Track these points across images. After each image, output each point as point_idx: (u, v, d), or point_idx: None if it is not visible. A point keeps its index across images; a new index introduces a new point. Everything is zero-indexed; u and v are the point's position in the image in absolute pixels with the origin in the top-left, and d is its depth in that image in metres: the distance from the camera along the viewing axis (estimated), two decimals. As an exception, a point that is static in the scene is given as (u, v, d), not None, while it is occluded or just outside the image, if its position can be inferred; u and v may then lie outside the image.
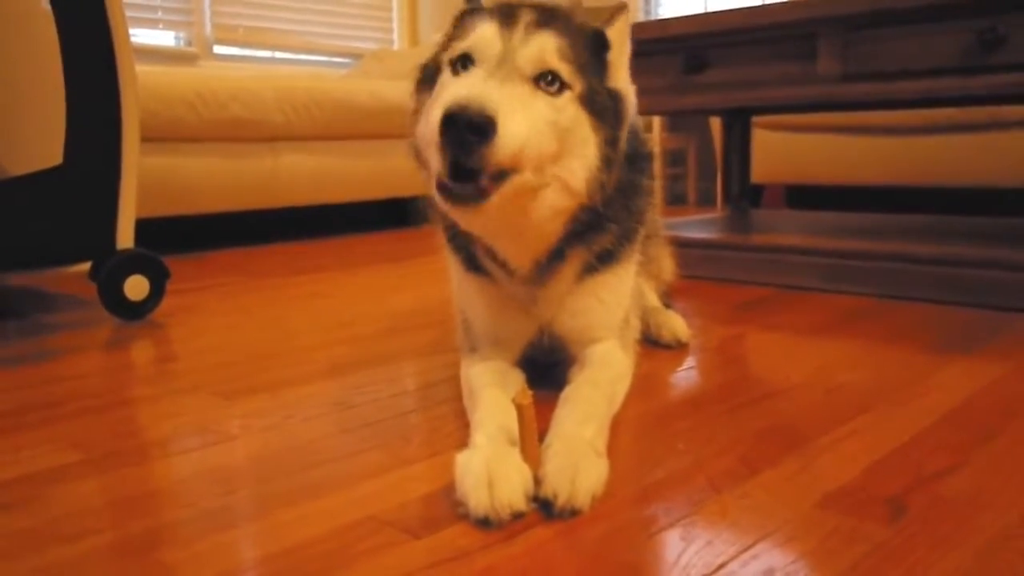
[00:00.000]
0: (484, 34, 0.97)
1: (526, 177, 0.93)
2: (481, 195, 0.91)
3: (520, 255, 1.08)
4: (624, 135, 1.06)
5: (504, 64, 0.94)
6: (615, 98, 1.04)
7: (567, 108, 0.96)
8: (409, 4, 4.90)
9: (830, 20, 1.81)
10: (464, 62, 0.97)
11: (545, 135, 0.93)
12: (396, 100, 3.49)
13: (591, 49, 1.04)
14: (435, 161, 0.91)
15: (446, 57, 1.01)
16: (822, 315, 1.72)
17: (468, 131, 0.84)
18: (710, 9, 4.39)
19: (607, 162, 1.01)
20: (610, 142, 1.01)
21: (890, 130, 3.19)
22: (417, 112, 1.06)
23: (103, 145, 1.75)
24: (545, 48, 0.96)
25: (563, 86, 0.96)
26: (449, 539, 0.77)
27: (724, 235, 2.28)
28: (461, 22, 1.06)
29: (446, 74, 1.00)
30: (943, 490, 0.86)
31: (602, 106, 1.01)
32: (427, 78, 1.06)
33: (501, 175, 0.91)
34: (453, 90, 0.90)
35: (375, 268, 2.61)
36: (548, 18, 1.00)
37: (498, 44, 0.96)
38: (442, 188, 0.91)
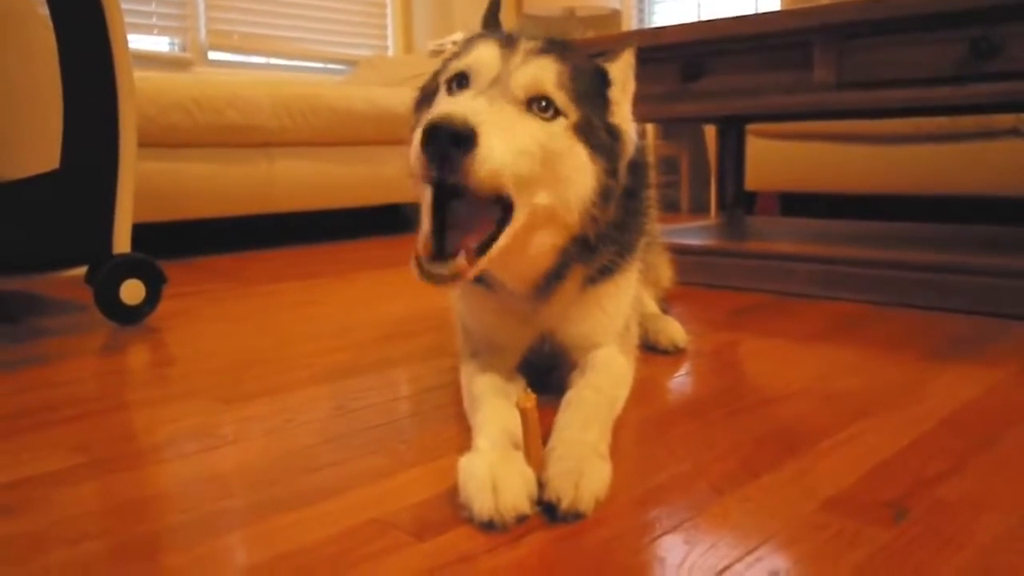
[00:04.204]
0: (482, 54, 0.97)
1: (520, 221, 0.94)
2: (456, 278, 0.91)
3: (517, 283, 1.09)
4: (624, 169, 1.06)
5: (496, 85, 0.94)
6: (614, 134, 1.04)
7: (560, 135, 0.96)
8: (403, 11, 4.91)
9: (825, 29, 1.83)
10: (460, 81, 0.97)
11: (534, 157, 0.93)
12: (391, 106, 3.50)
13: (592, 83, 1.04)
14: (422, 227, 0.92)
15: (443, 77, 1.01)
16: (818, 321, 1.73)
17: (449, 141, 0.83)
18: (703, 17, 4.42)
19: (605, 195, 1.01)
20: (609, 173, 1.01)
21: (883, 139, 3.21)
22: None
23: (101, 149, 1.74)
24: (541, 73, 0.96)
25: (557, 113, 0.96)
26: (453, 542, 0.77)
27: (719, 242, 2.29)
28: (464, 44, 1.07)
29: (442, 93, 1.01)
30: (943, 494, 0.86)
31: (600, 140, 1.00)
32: (425, 99, 1.06)
33: (483, 248, 0.92)
34: (438, 107, 0.90)
35: (370, 274, 2.61)
36: (550, 47, 1.00)
37: (495, 65, 0.96)
38: (418, 265, 0.91)
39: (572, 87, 0.98)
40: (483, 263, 0.93)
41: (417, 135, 0.85)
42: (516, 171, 0.90)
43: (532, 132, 0.93)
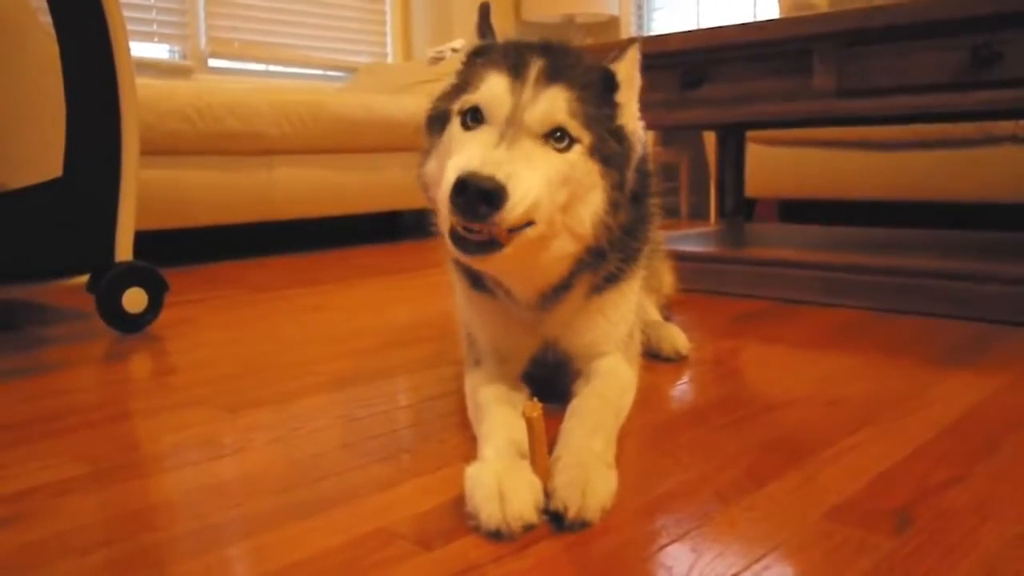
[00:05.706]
0: (494, 89, 0.97)
1: (540, 229, 0.95)
2: (495, 245, 0.92)
3: (527, 291, 1.09)
4: (631, 175, 1.06)
5: (513, 123, 0.94)
6: (623, 140, 1.05)
7: (576, 162, 0.97)
8: (402, 18, 4.92)
9: (826, 36, 1.84)
10: (474, 115, 0.98)
11: (555, 190, 0.95)
12: (391, 113, 3.50)
13: (600, 93, 1.05)
14: (447, 215, 0.92)
15: (456, 107, 1.01)
16: (819, 328, 1.73)
17: (479, 200, 0.86)
18: (703, 25, 4.43)
19: (614, 206, 1.02)
20: (617, 186, 1.02)
21: (882, 145, 3.22)
22: (427, 152, 1.08)
23: (103, 158, 1.75)
24: (554, 106, 0.96)
25: (572, 141, 0.97)
26: (460, 551, 0.77)
27: (720, 248, 2.29)
28: (472, 63, 1.07)
29: (455, 125, 1.00)
30: (948, 501, 0.86)
31: (610, 153, 1.01)
32: (436, 121, 1.06)
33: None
34: (463, 157, 0.90)
35: (372, 281, 2.61)
36: (558, 67, 1.00)
37: (508, 101, 0.96)
38: (455, 238, 0.92)
39: (583, 110, 0.99)
40: (521, 240, 0.93)
41: (446, 187, 0.88)
42: (540, 202, 0.92)
43: (553, 166, 0.95)
